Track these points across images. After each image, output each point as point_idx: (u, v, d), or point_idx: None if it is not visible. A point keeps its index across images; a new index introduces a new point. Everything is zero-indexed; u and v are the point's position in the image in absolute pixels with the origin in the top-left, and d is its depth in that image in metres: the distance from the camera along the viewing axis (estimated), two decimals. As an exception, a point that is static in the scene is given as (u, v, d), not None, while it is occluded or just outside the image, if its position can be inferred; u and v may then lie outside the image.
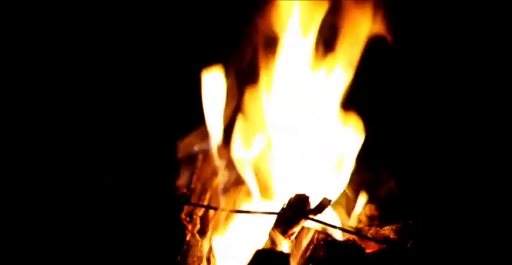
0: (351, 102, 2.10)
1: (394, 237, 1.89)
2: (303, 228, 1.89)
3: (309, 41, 2.10)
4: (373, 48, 2.10)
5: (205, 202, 2.04)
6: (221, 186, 2.04)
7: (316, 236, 1.86)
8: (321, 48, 2.12)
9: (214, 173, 2.10)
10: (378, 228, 1.94)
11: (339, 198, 2.03)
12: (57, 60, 2.57)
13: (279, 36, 2.11)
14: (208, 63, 2.15)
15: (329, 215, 1.98)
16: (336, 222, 1.95)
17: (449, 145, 2.45)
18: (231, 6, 2.46)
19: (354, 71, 2.09)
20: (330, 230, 1.89)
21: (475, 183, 2.32)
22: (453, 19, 2.51)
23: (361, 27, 2.08)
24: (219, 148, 2.11)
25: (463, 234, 2.07)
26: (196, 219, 1.96)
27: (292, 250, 1.86)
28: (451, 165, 2.38)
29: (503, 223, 2.15)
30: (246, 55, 2.16)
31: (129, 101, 2.56)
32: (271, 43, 2.11)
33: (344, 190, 2.04)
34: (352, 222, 2.09)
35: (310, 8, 2.09)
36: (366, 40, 2.08)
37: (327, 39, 2.12)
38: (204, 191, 2.06)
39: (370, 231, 1.94)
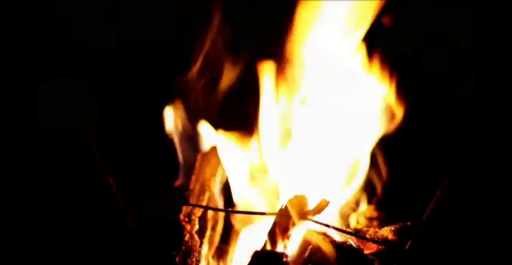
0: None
1: (393, 238, 1.88)
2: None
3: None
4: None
5: (204, 203, 2.04)
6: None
7: (314, 237, 1.85)
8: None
9: (213, 174, 2.11)
10: (377, 229, 1.94)
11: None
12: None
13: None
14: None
15: (328, 216, 1.98)
16: (334, 223, 1.95)
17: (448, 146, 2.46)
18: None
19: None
20: (329, 231, 1.89)
21: (475, 184, 2.32)
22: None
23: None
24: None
25: (461, 235, 2.07)
26: (194, 219, 1.96)
27: (291, 251, 1.86)
28: (451, 166, 2.38)
29: (502, 224, 2.15)
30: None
31: (127, 101, 2.56)
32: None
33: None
34: (351, 223, 2.08)
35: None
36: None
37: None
38: (202, 191, 2.06)
39: (369, 232, 1.93)
